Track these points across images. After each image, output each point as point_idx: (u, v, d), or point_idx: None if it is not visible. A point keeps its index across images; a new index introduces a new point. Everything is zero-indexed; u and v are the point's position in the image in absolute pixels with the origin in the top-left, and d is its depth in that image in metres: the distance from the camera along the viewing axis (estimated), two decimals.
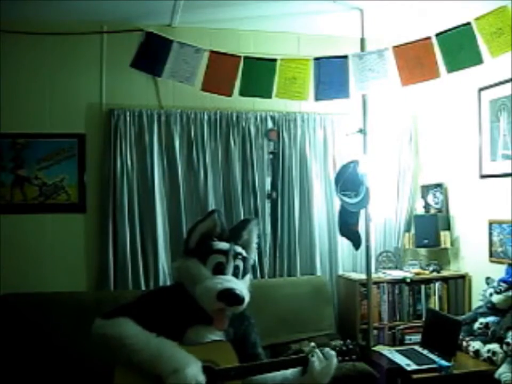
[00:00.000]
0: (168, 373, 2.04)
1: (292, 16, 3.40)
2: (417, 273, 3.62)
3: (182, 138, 3.49)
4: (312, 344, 2.28)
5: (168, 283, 3.38)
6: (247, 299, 2.33)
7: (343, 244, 3.71)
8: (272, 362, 2.30)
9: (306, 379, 2.20)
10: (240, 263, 2.44)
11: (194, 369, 2.06)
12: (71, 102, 3.40)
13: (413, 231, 3.85)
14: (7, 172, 3.31)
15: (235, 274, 2.39)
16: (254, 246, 2.64)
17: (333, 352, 2.24)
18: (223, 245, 2.43)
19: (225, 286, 2.27)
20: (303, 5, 3.16)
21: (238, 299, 2.28)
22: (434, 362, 2.89)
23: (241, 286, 2.35)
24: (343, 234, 3.46)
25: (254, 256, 2.71)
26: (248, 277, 2.54)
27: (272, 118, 3.64)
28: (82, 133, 3.41)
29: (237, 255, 2.43)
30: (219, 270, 2.35)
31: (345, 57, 2.96)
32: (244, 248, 2.52)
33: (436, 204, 3.81)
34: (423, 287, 3.59)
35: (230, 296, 2.26)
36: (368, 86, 2.95)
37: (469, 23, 2.68)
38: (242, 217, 3.36)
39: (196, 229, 2.48)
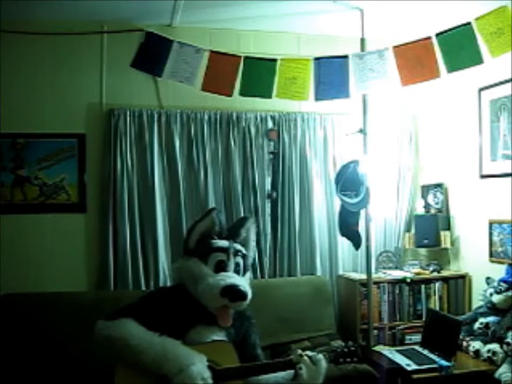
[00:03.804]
0: (174, 372, 2.05)
1: (291, 16, 3.39)
2: (417, 273, 3.62)
3: (182, 138, 3.49)
4: (299, 351, 2.26)
5: (168, 283, 3.37)
6: (249, 295, 2.34)
7: (343, 243, 3.71)
8: (273, 362, 2.30)
9: None
10: (240, 261, 2.45)
11: (199, 366, 2.07)
12: (71, 102, 3.39)
13: (413, 231, 3.85)
14: (7, 171, 3.30)
15: (236, 272, 2.41)
16: (253, 244, 2.66)
17: (320, 356, 2.25)
18: (223, 243, 2.45)
19: (228, 282, 2.28)
20: (303, 5, 3.16)
21: (242, 295, 2.29)
22: (434, 362, 2.89)
23: (244, 282, 2.36)
24: (343, 234, 3.46)
25: (252, 255, 2.72)
26: (248, 274, 2.56)
27: (272, 118, 3.64)
28: (82, 133, 3.41)
29: (237, 252, 2.44)
30: (220, 267, 2.36)
31: (345, 57, 2.96)
32: (242, 246, 2.53)
33: (436, 204, 3.81)
34: (423, 287, 3.59)
35: (234, 292, 2.27)
36: (368, 86, 2.95)
37: (469, 23, 2.68)
38: None
39: (195, 229, 2.49)
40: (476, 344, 2.99)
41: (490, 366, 2.82)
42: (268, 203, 3.64)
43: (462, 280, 3.61)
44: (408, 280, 3.56)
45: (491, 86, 3.34)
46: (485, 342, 2.96)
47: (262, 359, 2.44)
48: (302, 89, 2.97)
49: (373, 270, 3.52)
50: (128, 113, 3.39)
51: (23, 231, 3.32)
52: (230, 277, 2.33)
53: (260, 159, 3.62)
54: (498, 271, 3.20)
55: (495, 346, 2.87)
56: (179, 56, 2.91)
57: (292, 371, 2.24)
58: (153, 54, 2.93)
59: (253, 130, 3.59)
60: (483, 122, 3.43)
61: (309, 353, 2.26)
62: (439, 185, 3.80)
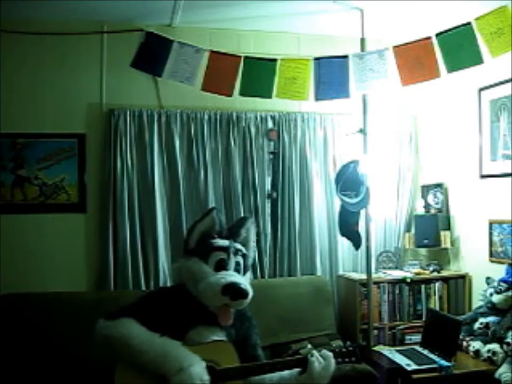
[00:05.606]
0: (173, 373, 2.05)
1: (291, 16, 3.39)
2: (418, 273, 3.62)
3: (182, 138, 3.49)
4: (309, 346, 2.29)
5: (168, 283, 3.37)
6: (250, 293, 2.34)
7: (343, 243, 3.71)
8: (273, 362, 2.30)
9: (305, 379, 2.21)
10: (240, 260, 2.45)
11: (198, 368, 2.07)
12: (71, 102, 3.39)
13: (413, 231, 3.85)
14: (7, 172, 3.30)
15: (237, 271, 2.41)
16: (252, 244, 2.66)
17: (329, 353, 2.25)
18: (223, 242, 2.45)
19: (229, 280, 2.29)
20: (303, 5, 3.16)
21: (243, 293, 2.29)
22: (434, 362, 2.89)
23: (244, 281, 2.36)
24: (343, 234, 3.46)
25: (252, 255, 2.72)
26: (249, 274, 2.56)
27: (272, 118, 3.64)
28: (82, 133, 3.41)
29: (237, 251, 2.45)
30: (221, 266, 2.37)
31: (345, 57, 2.96)
32: (243, 245, 2.54)
33: (436, 203, 3.81)
34: (423, 287, 3.59)
35: (235, 290, 2.27)
36: (368, 86, 2.95)
37: (469, 23, 2.68)
38: None
39: (195, 228, 2.49)
40: (476, 344, 2.99)
41: (490, 366, 2.82)
42: (268, 203, 3.65)
43: (462, 280, 3.61)
44: (408, 280, 3.56)
45: (491, 86, 3.34)
46: (485, 342, 2.96)
47: (262, 359, 2.44)
48: (302, 89, 2.98)
49: (373, 270, 3.52)
50: (128, 113, 3.39)
51: (23, 231, 3.32)
52: (231, 275, 2.33)
53: (259, 159, 3.62)
54: (498, 271, 3.20)
55: (495, 346, 2.87)
56: (179, 56, 2.91)
57: (297, 369, 2.24)
58: (153, 54, 2.93)
59: (253, 130, 3.59)
60: (483, 122, 3.43)
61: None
62: (439, 185, 3.80)
